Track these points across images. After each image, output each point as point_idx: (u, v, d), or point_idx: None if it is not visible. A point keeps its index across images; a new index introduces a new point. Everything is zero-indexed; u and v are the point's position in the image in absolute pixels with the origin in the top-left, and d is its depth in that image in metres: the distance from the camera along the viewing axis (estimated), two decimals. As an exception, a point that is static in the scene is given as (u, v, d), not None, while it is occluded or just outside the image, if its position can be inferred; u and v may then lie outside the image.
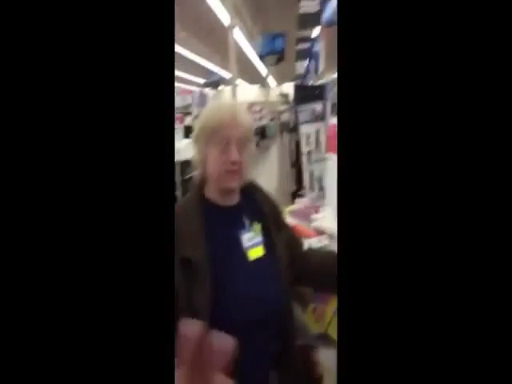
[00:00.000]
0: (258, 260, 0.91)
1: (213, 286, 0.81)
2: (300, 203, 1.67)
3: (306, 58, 6.58)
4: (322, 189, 2.63)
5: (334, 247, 1.21)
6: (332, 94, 3.26)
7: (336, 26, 0.48)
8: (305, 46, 6.05)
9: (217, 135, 0.90)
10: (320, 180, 2.67)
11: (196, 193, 0.95)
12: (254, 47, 6.88)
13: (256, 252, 0.92)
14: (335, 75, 3.40)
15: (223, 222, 0.93)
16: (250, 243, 0.92)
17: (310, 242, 1.20)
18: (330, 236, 1.29)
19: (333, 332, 1.05)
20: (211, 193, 0.95)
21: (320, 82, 3.89)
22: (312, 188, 2.77)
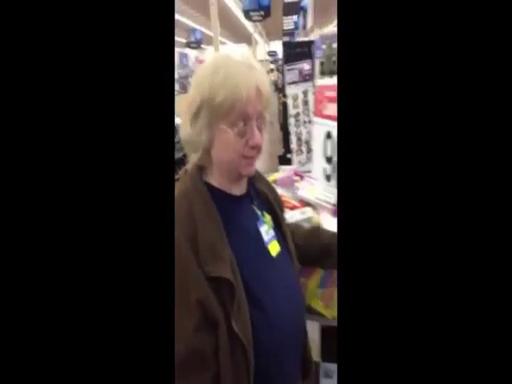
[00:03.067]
0: (279, 257, 0.77)
1: (251, 304, 0.66)
2: (284, 171, 1.60)
3: (294, 13, 6.29)
4: (310, 152, 2.56)
5: (318, 219, 1.15)
6: (321, 52, 3.11)
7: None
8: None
9: (234, 112, 0.67)
10: (308, 143, 2.59)
11: (199, 181, 0.73)
12: (238, 2, 6.54)
13: (274, 247, 0.78)
14: (324, 31, 3.23)
15: (241, 215, 0.75)
16: (268, 237, 0.77)
17: (293, 214, 1.14)
18: (314, 207, 1.23)
19: (316, 305, 1.00)
20: (216, 180, 0.75)
21: (308, 38, 3.71)
22: (300, 151, 2.70)
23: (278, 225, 0.83)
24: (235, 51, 0.73)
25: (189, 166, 0.77)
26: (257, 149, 0.71)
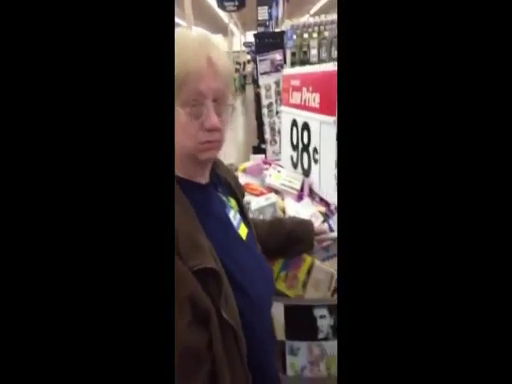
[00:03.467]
0: (248, 240, 0.79)
1: (234, 289, 0.66)
2: (254, 159, 1.63)
3: (268, 4, 6.25)
4: (283, 142, 2.59)
5: (283, 204, 1.19)
6: (292, 42, 3.12)
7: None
8: (266, -11, 5.72)
9: (184, 89, 0.62)
10: (280, 133, 2.62)
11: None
12: (213, -8, 6.44)
13: (243, 230, 0.79)
14: (295, 21, 3.24)
15: (210, 203, 0.74)
16: (236, 222, 0.78)
17: (259, 200, 1.17)
18: (280, 194, 1.26)
19: (279, 286, 1.04)
20: (181, 170, 0.71)
21: (280, 29, 3.71)
22: (274, 141, 2.73)
23: (242, 208, 0.84)
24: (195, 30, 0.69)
25: None
26: (215, 132, 0.66)
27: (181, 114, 0.64)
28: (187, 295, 0.60)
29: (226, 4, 6.05)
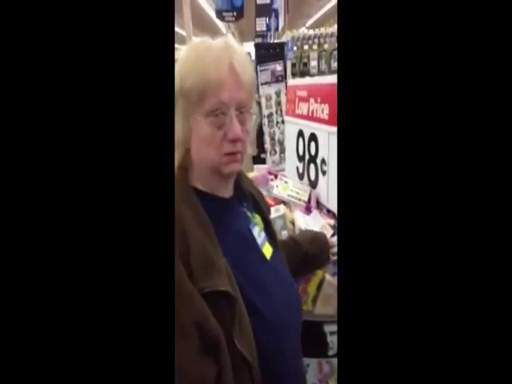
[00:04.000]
0: (272, 258, 0.72)
1: (250, 313, 0.60)
2: (259, 170, 1.61)
3: (266, 15, 6.32)
4: (283, 152, 2.59)
5: (292, 216, 1.17)
6: (292, 53, 3.14)
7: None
8: (264, 1, 5.77)
9: (206, 98, 0.60)
10: (281, 143, 2.62)
11: (185, 188, 0.65)
12: (211, 3, 6.50)
13: (268, 249, 0.72)
14: (295, 32, 3.27)
15: (232, 219, 0.69)
16: (261, 240, 0.71)
17: (267, 212, 1.15)
18: (288, 205, 1.24)
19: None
20: (202, 183, 0.67)
21: (280, 40, 3.74)
22: (274, 151, 2.73)
23: (268, 225, 0.78)
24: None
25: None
26: (238, 143, 0.63)
27: (203, 125, 0.61)
28: (195, 321, 0.54)
29: (225, 14, 6.10)
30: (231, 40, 0.66)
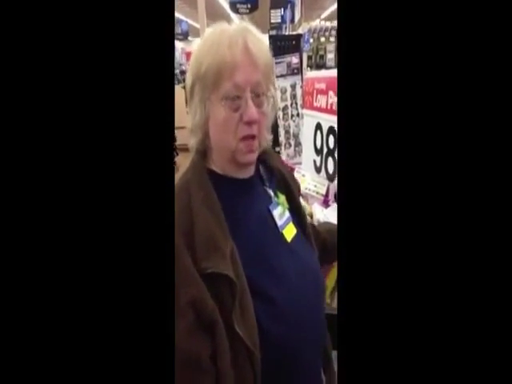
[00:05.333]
0: (295, 240, 0.70)
1: (259, 299, 0.60)
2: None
3: (281, 7, 6.26)
4: (298, 145, 2.57)
5: (310, 209, 1.17)
6: (308, 46, 3.11)
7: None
8: (279, -8, 5.73)
9: (221, 82, 0.60)
10: (296, 136, 2.61)
11: (200, 170, 0.66)
12: (226, -6, 6.48)
13: (290, 231, 0.70)
14: (312, 24, 3.23)
15: (251, 200, 0.68)
16: (282, 221, 0.70)
17: (286, 204, 1.15)
18: (305, 198, 1.24)
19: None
20: (219, 166, 0.67)
21: (296, 31, 3.71)
22: (288, 145, 2.72)
23: (295, 204, 0.75)
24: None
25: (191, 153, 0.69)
26: (254, 126, 0.62)
27: (219, 108, 0.61)
28: (191, 299, 0.55)
29: (239, 6, 6.06)
30: (246, 23, 0.65)
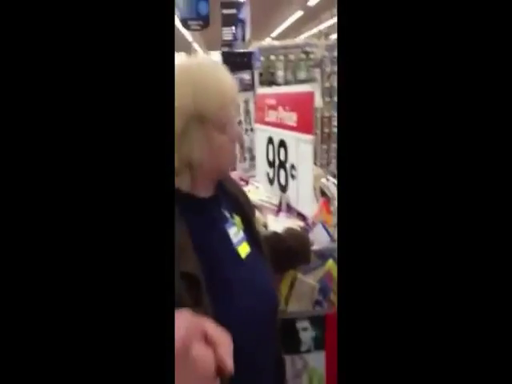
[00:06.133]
0: (248, 258, 0.78)
1: (214, 302, 0.66)
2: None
3: (232, 25, 6.39)
4: (252, 159, 2.63)
5: (265, 219, 1.21)
6: (259, 63, 3.22)
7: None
8: (230, 11, 5.84)
9: (222, 114, 0.71)
10: (250, 150, 2.66)
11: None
12: (176, 10, 6.50)
13: (244, 249, 0.78)
14: (262, 42, 3.35)
15: (208, 218, 0.76)
16: (237, 239, 0.78)
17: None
18: (259, 209, 1.29)
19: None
20: (184, 183, 0.73)
21: (247, 49, 3.81)
22: (243, 159, 2.76)
23: (249, 226, 0.83)
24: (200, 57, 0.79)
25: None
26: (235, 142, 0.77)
27: (202, 135, 0.70)
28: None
29: (190, 23, 6.10)
30: (207, 56, 0.77)
